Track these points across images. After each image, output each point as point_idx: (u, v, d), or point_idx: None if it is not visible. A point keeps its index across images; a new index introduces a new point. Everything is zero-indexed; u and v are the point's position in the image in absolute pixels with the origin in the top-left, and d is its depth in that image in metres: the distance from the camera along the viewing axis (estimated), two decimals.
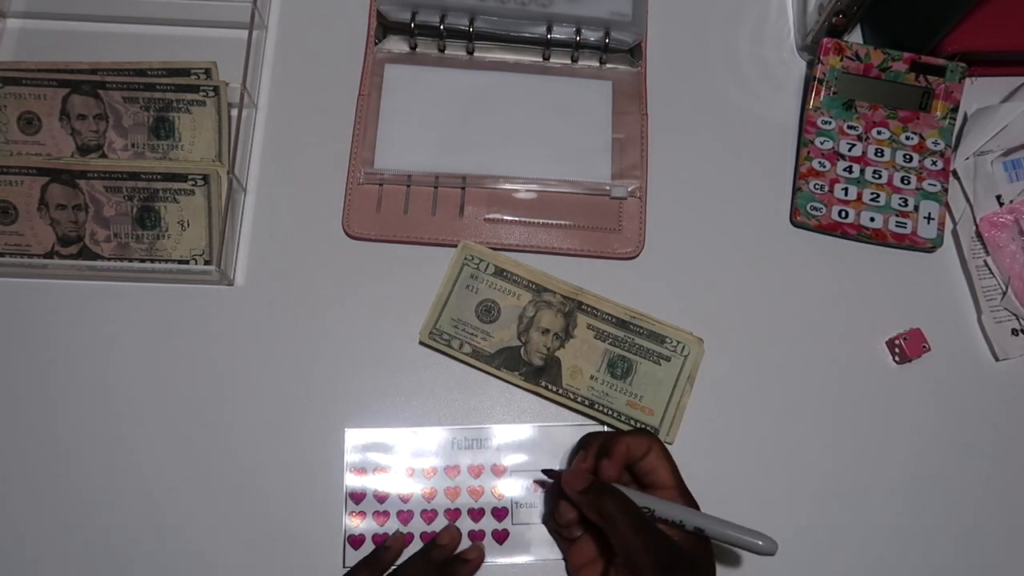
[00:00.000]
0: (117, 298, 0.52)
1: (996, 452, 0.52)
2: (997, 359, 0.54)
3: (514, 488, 0.50)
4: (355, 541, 0.48)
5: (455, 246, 0.53)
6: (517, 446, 0.50)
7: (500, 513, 0.49)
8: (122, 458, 0.50)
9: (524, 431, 0.51)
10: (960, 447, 0.52)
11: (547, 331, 0.52)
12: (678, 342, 0.51)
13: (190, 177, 0.52)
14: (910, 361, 0.53)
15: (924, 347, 0.53)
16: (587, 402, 0.51)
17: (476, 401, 0.52)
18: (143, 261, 0.51)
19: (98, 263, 0.51)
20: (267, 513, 0.49)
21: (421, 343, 0.52)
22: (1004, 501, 0.52)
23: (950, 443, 0.52)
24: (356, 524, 0.48)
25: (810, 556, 0.50)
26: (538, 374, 0.51)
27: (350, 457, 0.50)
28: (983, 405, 0.53)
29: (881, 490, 0.51)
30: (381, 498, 0.49)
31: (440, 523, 0.49)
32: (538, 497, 0.50)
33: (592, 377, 0.51)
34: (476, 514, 0.49)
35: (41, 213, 0.52)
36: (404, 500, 0.49)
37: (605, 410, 0.50)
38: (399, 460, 0.50)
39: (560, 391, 0.51)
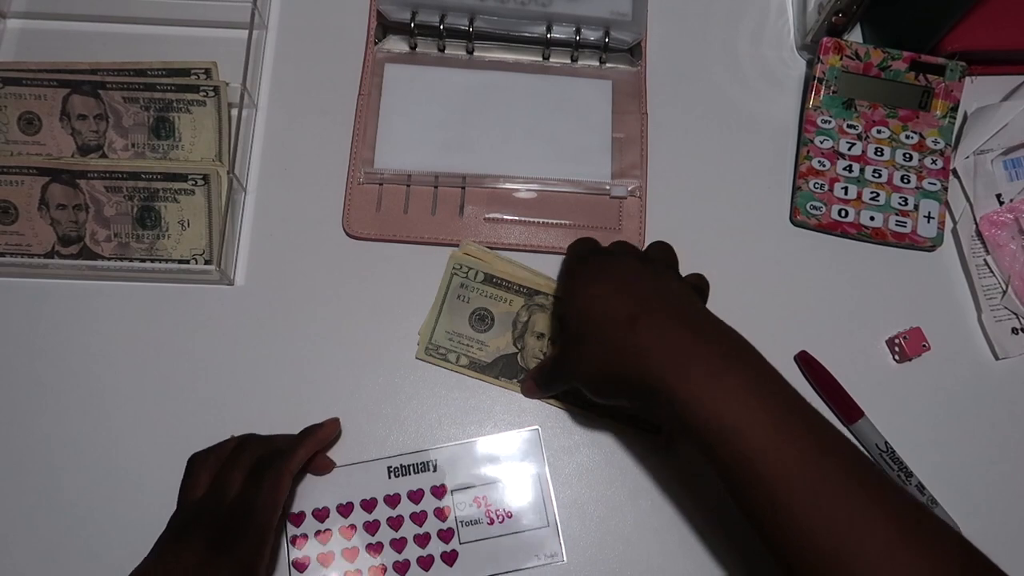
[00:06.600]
0: (117, 298, 0.52)
1: (996, 451, 0.52)
2: (997, 358, 0.54)
3: (457, 507, 0.49)
4: None
5: (455, 245, 0.53)
6: (454, 464, 0.50)
7: (446, 535, 0.49)
8: (122, 458, 0.50)
9: (460, 448, 0.50)
10: (960, 446, 0.52)
11: (542, 335, 0.52)
12: None
13: (190, 177, 0.52)
14: (910, 360, 0.53)
15: (924, 346, 0.53)
16: (587, 403, 0.50)
17: (476, 401, 0.52)
18: (143, 261, 0.51)
19: (98, 263, 0.51)
20: None
21: (418, 358, 0.52)
22: (1004, 500, 0.52)
23: (950, 442, 0.52)
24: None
25: None
26: None
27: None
28: (983, 404, 0.53)
29: None
30: (324, 538, 0.48)
31: (388, 555, 0.48)
32: (482, 512, 0.49)
33: None
34: (422, 540, 0.48)
35: (41, 213, 0.52)
36: (347, 537, 0.48)
37: (606, 410, 0.50)
38: (336, 499, 0.49)
39: (560, 394, 0.51)
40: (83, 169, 0.52)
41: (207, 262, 0.51)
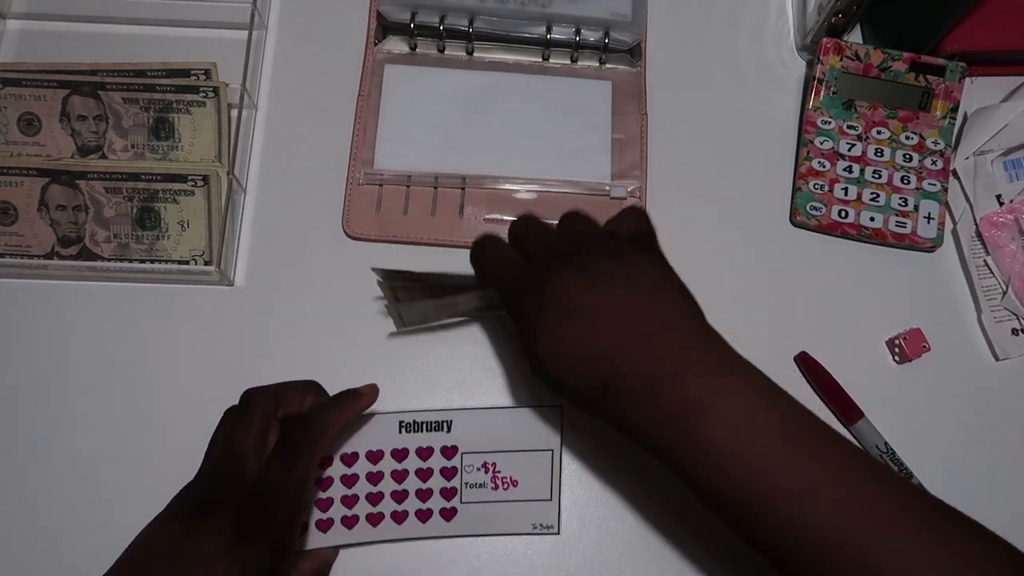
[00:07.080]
0: (117, 298, 0.52)
1: (996, 452, 0.52)
2: (997, 359, 0.54)
3: (465, 469, 0.49)
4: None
5: (456, 246, 0.53)
6: (470, 428, 0.50)
7: (449, 493, 0.49)
8: (122, 458, 0.50)
9: (479, 414, 0.50)
10: (960, 447, 0.52)
11: None
12: None
13: (190, 178, 0.52)
14: (910, 361, 0.53)
15: (924, 347, 0.53)
16: None
17: (476, 400, 0.52)
18: (143, 262, 0.52)
19: (98, 264, 0.51)
20: None
21: (399, 332, 0.51)
22: (1005, 501, 0.52)
23: (950, 443, 0.52)
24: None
25: None
26: None
27: None
28: (983, 405, 0.53)
29: None
30: (325, 485, 0.48)
31: (387, 505, 0.48)
32: (488, 477, 0.49)
33: None
34: (424, 494, 0.49)
35: (41, 214, 0.52)
36: (348, 485, 0.48)
37: None
38: (341, 448, 0.48)
39: None
40: (83, 170, 0.52)
41: (207, 263, 0.51)
